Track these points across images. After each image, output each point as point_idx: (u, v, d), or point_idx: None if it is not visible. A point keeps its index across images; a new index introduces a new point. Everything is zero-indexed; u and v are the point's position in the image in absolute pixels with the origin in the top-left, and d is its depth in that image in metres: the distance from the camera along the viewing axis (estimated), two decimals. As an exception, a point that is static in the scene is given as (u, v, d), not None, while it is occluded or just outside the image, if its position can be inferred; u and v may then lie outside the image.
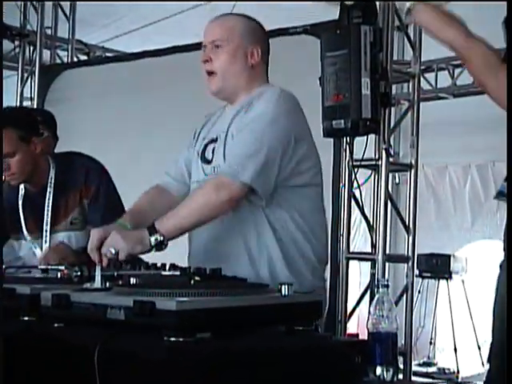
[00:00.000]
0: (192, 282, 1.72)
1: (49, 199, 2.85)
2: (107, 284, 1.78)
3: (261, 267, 2.18)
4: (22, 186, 2.92)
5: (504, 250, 2.29)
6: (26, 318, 1.77)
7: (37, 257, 2.83)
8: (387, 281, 1.81)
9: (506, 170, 2.18)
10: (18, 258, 3.06)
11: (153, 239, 2.02)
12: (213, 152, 2.27)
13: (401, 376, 3.69)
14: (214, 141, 2.28)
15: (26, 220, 2.90)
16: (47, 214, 2.84)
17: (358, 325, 4.81)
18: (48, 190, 2.86)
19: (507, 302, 2.03)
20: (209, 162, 2.28)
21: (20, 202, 2.91)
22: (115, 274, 1.87)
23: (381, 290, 1.80)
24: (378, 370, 1.74)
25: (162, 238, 2.03)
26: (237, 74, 2.25)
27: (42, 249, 2.84)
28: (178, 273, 1.92)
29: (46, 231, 2.83)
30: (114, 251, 1.98)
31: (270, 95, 2.22)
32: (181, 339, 1.47)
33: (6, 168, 2.78)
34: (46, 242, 2.84)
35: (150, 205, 2.34)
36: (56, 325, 1.69)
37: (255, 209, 2.18)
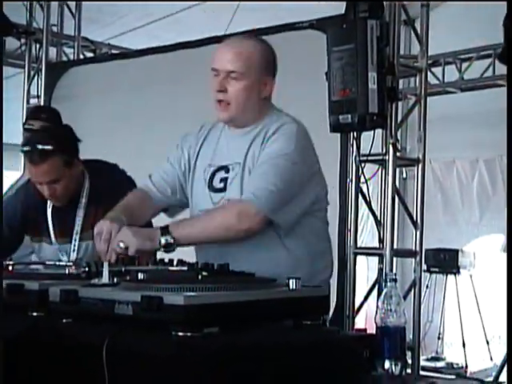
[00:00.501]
0: (199, 277, 1.72)
1: (80, 209, 2.81)
2: (115, 279, 1.78)
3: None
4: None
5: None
6: (35, 314, 1.78)
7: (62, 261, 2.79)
8: (395, 275, 1.81)
9: (507, 169, 2.17)
10: (29, 254, 3.07)
11: (163, 239, 2.06)
12: (222, 181, 2.28)
13: (409, 371, 3.68)
14: (224, 169, 2.29)
15: (54, 226, 2.86)
16: (78, 224, 2.81)
17: (366, 320, 4.80)
18: (81, 200, 2.82)
19: (507, 301, 2.01)
20: (218, 190, 2.28)
21: (50, 208, 2.87)
22: (123, 269, 1.87)
23: (389, 284, 1.80)
24: (387, 364, 1.74)
25: (172, 241, 2.06)
26: (250, 107, 2.27)
27: (69, 256, 2.82)
28: (185, 268, 1.93)
29: (75, 240, 2.80)
30: (123, 246, 1.99)
31: (288, 132, 2.23)
32: (188, 334, 1.48)
33: (51, 193, 2.74)
34: (74, 250, 2.81)
35: (139, 206, 2.35)
36: (64, 320, 1.70)
37: (270, 236, 2.22)
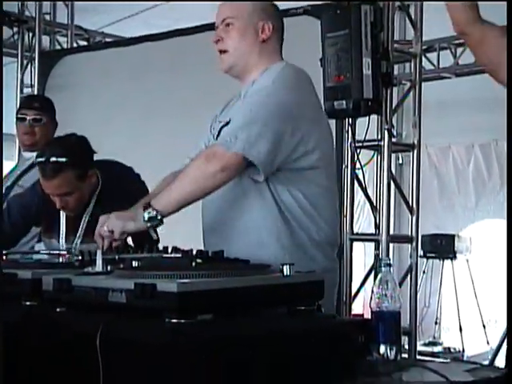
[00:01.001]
0: (193, 264, 1.71)
1: (87, 213, 2.78)
2: (108, 267, 1.77)
3: (266, 248, 2.15)
4: None
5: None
6: (28, 303, 1.77)
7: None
8: (390, 260, 1.81)
9: (507, 163, 2.16)
10: (30, 240, 3.07)
11: (146, 214, 2.01)
12: None
13: (406, 355, 3.70)
14: (228, 123, 2.24)
15: (66, 226, 2.83)
16: (81, 228, 2.77)
17: (363, 306, 4.81)
18: (90, 205, 2.79)
19: (507, 299, 2.01)
20: None
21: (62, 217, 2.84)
22: (116, 257, 1.86)
23: (383, 269, 1.80)
24: (382, 349, 1.74)
25: (154, 213, 2.00)
26: (248, 50, 2.24)
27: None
28: (179, 255, 1.92)
29: (76, 244, 2.73)
30: (106, 229, 1.99)
31: (272, 71, 2.20)
32: (182, 321, 1.47)
33: (63, 205, 2.72)
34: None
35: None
36: (58, 309, 1.69)
37: (259, 187, 2.15)
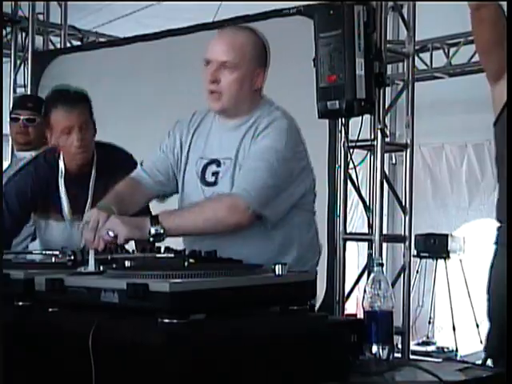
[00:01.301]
0: (186, 263, 1.71)
1: (93, 181, 2.83)
2: (101, 268, 1.77)
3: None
4: (61, 165, 2.86)
5: (497, 229, 2.30)
6: (21, 303, 1.77)
7: (74, 238, 2.74)
8: (382, 259, 1.82)
9: (507, 165, 2.18)
10: (24, 239, 3.07)
11: (153, 229, 2.05)
12: (214, 175, 2.28)
13: (399, 355, 3.71)
14: (215, 163, 2.28)
15: (68, 198, 2.85)
16: (91, 196, 2.81)
17: (356, 305, 4.82)
18: (92, 172, 2.85)
19: (507, 298, 2.03)
20: (209, 184, 2.28)
21: (62, 182, 2.86)
22: (109, 257, 1.86)
23: (376, 268, 1.81)
24: (374, 349, 1.75)
25: (162, 231, 2.05)
26: (242, 98, 2.25)
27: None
28: (172, 255, 1.92)
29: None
30: (112, 234, 1.98)
31: (279, 127, 2.22)
32: (174, 321, 1.47)
33: (80, 139, 2.75)
34: None
35: (130, 194, 2.34)
36: (50, 309, 1.69)
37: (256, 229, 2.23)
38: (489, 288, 2.33)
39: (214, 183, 2.27)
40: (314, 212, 2.40)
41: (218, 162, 2.27)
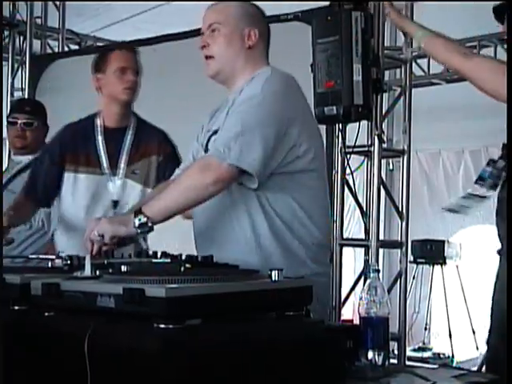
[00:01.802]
0: (182, 269, 1.71)
1: (128, 139, 2.96)
2: (97, 272, 1.77)
3: (256, 255, 2.16)
4: (99, 121, 2.99)
5: (500, 239, 2.30)
6: (17, 308, 1.77)
7: (104, 191, 2.89)
8: (378, 266, 1.82)
9: (507, 169, 2.19)
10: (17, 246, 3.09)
11: (136, 220, 2.01)
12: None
13: (395, 361, 3.70)
14: (215, 132, 2.25)
15: (106, 150, 2.96)
16: (127, 153, 2.94)
17: (353, 311, 4.81)
18: (129, 131, 2.98)
19: (507, 298, 2.03)
20: None
21: (101, 137, 2.97)
22: (105, 262, 1.86)
23: (372, 274, 1.81)
24: (370, 355, 1.75)
25: (145, 220, 2.01)
26: (234, 56, 2.24)
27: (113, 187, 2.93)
28: (168, 260, 1.92)
29: (123, 169, 2.93)
30: (97, 234, 1.98)
31: (259, 78, 2.19)
32: (170, 326, 1.47)
33: (133, 81, 2.97)
34: (119, 179, 2.92)
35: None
36: (46, 314, 1.69)
37: (247, 194, 2.15)
38: (493, 296, 2.33)
39: None
40: (323, 182, 2.24)
41: (216, 132, 2.24)
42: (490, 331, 2.33)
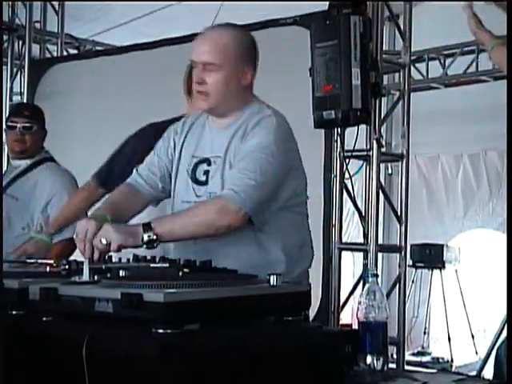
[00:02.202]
0: (180, 273, 1.71)
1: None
2: (95, 277, 1.77)
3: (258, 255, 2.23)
4: None
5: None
6: (15, 312, 1.76)
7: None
8: (377, 270, 1.81)
9: (506, 168, 2.17)
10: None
11: (145, 236, 2.03)
12: (205, 174, 2.28)
13: (394, 365, 3.70)
14: (206, 162, 2.28)
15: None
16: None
17: (352, 315, 4.81)
18: None
19: (507, 297, 2.03)
20: (200, 183, 2.28)
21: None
22: (103, 266, 1.86)
23: (370, 279, 1.80)
24: (369, 359, 1.74)
25: (154, 237, 2.04)
26: (230, 96, 2.25)
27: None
28: (167, 265, 1.92)
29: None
30: (105, 242, 1.97)
31: (267, 125, 2.22)
32: (169, 331, 1.47)
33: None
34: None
35: (125, 202, 2.34)
36: (44, 318, 1.68)
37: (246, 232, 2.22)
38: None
39: (205, 182, 2.27)
40: (306, 214, 2.37)
41: (208, 161, 2.28)
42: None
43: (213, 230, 2.13)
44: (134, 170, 2.45)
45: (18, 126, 3.47)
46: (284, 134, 2.25)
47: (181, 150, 2.37)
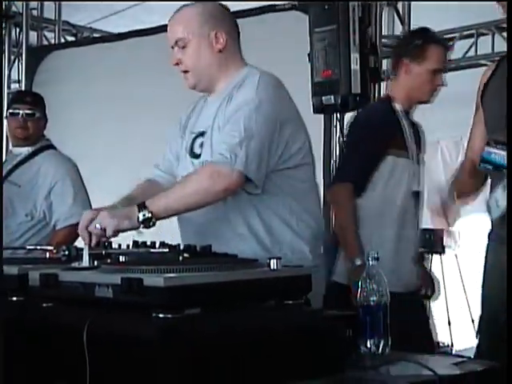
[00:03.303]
0: (180, 258, 1.71)
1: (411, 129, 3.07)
2: (95, 263, 1.77)
3: (256, 251, 2.14)
4: (398, 106, 2.97)
5: (492, 225, 2.31)
6: (15, 299, 1.76)
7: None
8: (377, 253, 1.81)
9: (506, 162, 2.18)
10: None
11: (141, 215, 2.00)
12: (201, 146, 2.25)
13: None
14: (201, 135, 2.26)
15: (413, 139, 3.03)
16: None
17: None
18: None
19: (507, 297, 2.04)
20: (197, 156, 2.26)
21: (405, 122, 2.99)
22: (103, 252, 1.86)
23: (371, 263, 1.80)
24: (369, 343, 1.74)
25: (149, 215, 2.00)
26: (207, 65, 2.24)
27: None
28: (166, 250, 1.92)
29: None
30: (99, 226, 1.96)
31: (249, 83, 2.19)
32: (169, 316, 1.47)
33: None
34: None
35: (142, 195, 2.28)
36: (44, 304, 1.69)
37: (239, 196, 2.16)
38: (483, 282, 2.35)
39: (200, 154, 2.25)
40: (312, 180, 2.27)
41: (203, 133, 2.26)
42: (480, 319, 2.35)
43: (211, 197, 2.07)
44: (154, 168, 2.44)
45: (21, 112, 3.45)
46: (268, 87, 2.18)
47: (184, 132, 2.36)
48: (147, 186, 2.37)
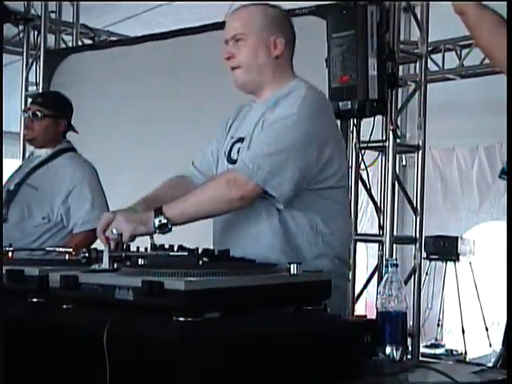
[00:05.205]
0: (200, 262, 1.71)
1: None
2: (115, 265, 1.77)
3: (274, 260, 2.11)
4: None
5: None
6: (35, 300, 1.77)
7: None
8: (396, 260, 1.80)
9: (507, 163, 2.16)
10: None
11: (157, 221, 1.99)
12: (238, 152, 2.21)
13: (409, 357, 3.69)
14: (240, 141, 2.22)
15: None
16: None
17: (365, 307, 4.81)
18: None
19: (507, 296, 2.02)
20: (233, 162, 2.21)
21: None
22: (123, 255, 1.86)
23: (390, 269, 1.79)
24: (388, 350, 1.73)
25: (165, 221, 1.99)
26: (261, 67, 2.18)
27: None
28: (186, 253, 1.92)
29: None
30: (115, 232, 1.96)
31: (295, 96, 2.13)
32: (189, 319, 1.46)
33: None
34: None
35: (170, 192, 2.27)
36: (65, 306, 1.69)
37: (269, 207, 2.12)
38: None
39: (236, 160, 2.20)
40: (343, 203, 2.22)
41: (242, 140, 2.21)
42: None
43: (225, 205, 2.04)
44: (191, 165, 2.40)
45: (29, 112, 3.45)
46: (312, 104, 2.12)
47: (226, 136, 2.32)
48: (177, 184, 2.33)
